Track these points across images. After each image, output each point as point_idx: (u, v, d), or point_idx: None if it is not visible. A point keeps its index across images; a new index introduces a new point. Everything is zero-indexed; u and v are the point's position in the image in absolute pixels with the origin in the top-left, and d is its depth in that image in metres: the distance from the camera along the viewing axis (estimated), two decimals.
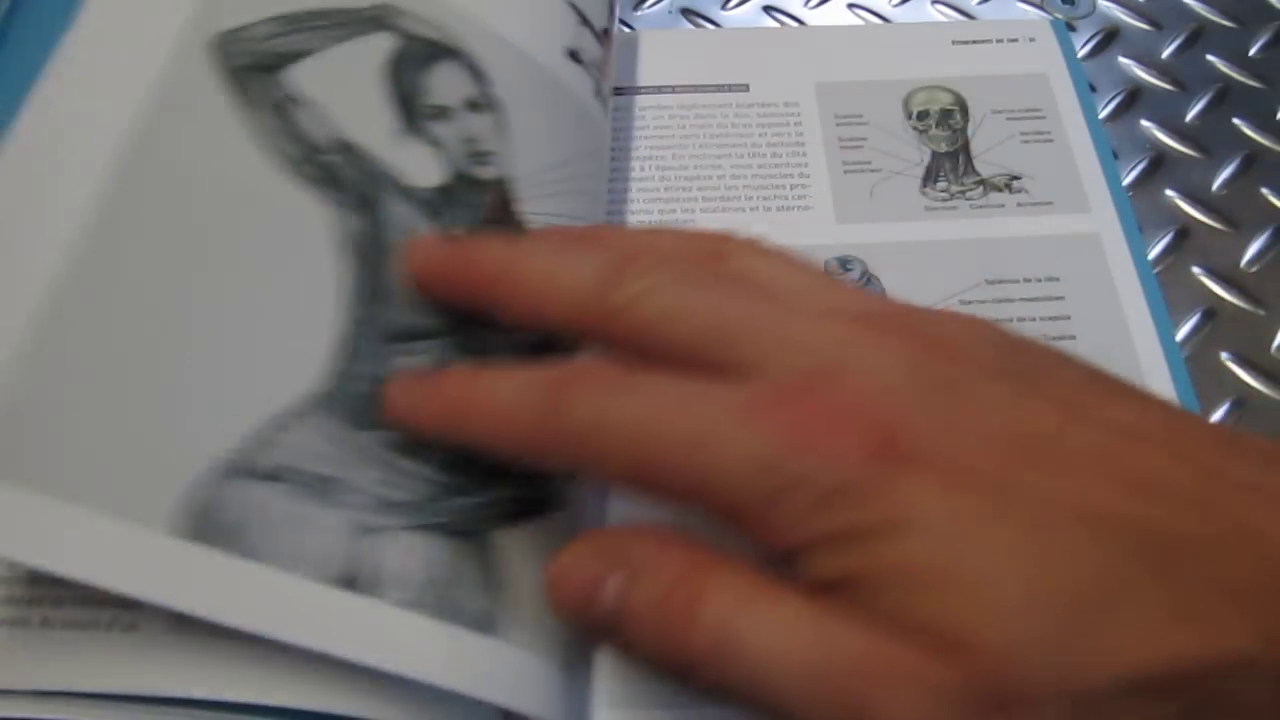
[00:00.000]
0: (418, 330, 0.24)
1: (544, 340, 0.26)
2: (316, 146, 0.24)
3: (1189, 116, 0.42)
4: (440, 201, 0.26)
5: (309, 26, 0.26)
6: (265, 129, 0.24)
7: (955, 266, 0.36)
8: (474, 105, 0.27)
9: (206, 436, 0.21)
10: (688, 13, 0.44)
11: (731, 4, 0.45)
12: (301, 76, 0.25)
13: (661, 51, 0.42)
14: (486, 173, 0.27)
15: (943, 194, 0.38)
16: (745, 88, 0.41)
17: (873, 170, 0.39)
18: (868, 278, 0.36)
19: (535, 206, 0.27)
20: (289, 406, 0.22)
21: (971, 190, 0.39)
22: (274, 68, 0.25)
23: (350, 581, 0.21)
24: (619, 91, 0.41)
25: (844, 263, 0.36)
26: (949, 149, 0.40)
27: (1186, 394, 0.34)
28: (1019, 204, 0.38)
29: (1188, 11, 0.45)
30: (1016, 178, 0.39)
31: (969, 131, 0.40)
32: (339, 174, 0.24)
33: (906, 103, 0.41)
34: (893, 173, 0.39)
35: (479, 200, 0.26)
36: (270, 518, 0.21)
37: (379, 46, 0.26)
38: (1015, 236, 0.37)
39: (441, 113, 0.26)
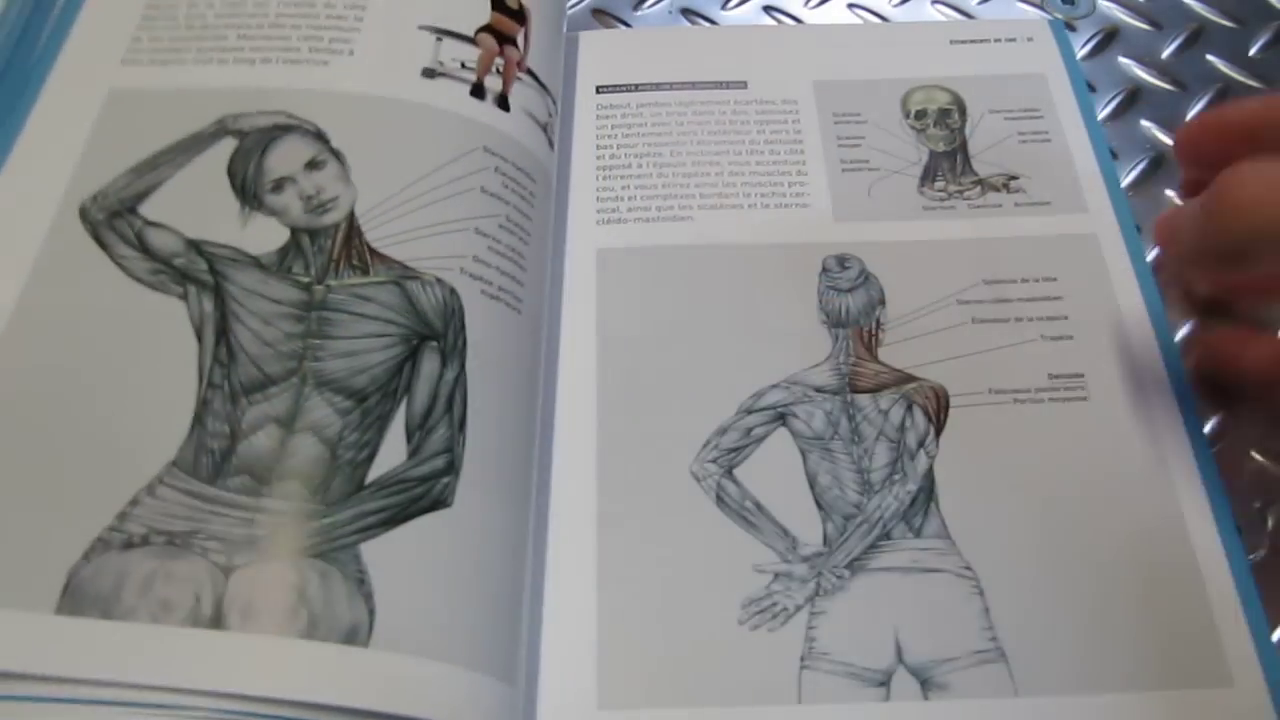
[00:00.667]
0: (269, 378, 0.28)
1: (410, 351, 0.30)
2: (171, 254, 0.30)
3: (1189, 117, 0.42)
4: (284, 258, 0.31)
5: (160, 163, 0.32)
6: (127, 258, 0.30)
7: (953, 266, 0.36)
8: (314, 164, 0.32)
9: (83, 520, 0.25)
10: (688, 13, 0.44)
11: (731, 4, 0.45)
12: (156, 203, 0.31)
13: (660, 48, 0.42)
14: (331, 218, 0.31)
15: (940, 193, 0.38)
16: (744, 85, 0.41)
17: (871, 169, 0.39)
18: (865, 276, 0.36)
19: (395, 227, 0.31)
20: (156, 475, 0.26)
21: (969, 190, 0.38)
22: (133, 206, 0.31)
23: (219, 620, 0.24)
24: (617, 90, 0.41)
25: (841, 261, 0.36)
26: (947, 148, 0.39)
27: (1184, 394, 0.34)
28: (1017, 204, 0.38)
29: (1188, 11, 0.45)
30: (1014, 178, 0.39)
31: (967, 131, 0.40)
32: (189, 269, 0.30)
33: (904, 102, 0.41)
34: (891, 171, 0.39)
35: (327, 244, 0.31)
36: (138, 579, 0.25)
37: (224, 151, 0.32)
38: (1013, 236, 0.37)
39: (280, 183, 0.32)
